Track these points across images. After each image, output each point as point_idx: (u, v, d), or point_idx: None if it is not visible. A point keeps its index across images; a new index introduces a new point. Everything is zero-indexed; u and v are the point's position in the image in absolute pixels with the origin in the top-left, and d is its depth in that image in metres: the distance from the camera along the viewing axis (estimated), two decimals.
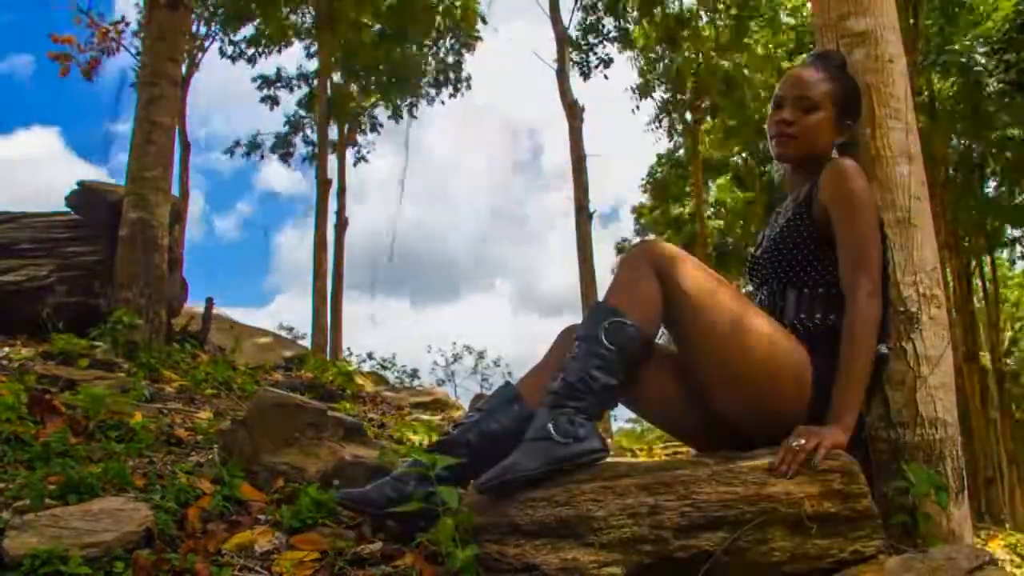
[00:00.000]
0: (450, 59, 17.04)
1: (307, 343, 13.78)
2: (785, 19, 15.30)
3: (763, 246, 1.93)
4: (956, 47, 11.07)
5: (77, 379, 3.03)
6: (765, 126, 1.99)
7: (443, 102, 17.51)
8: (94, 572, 1.53)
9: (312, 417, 2.26)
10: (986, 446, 14.33)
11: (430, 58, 16.89)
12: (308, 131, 18.02)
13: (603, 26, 16.12)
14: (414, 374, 21.27)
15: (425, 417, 4.26)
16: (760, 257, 1.92)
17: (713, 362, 1.69)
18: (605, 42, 16.19)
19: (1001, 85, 10.57)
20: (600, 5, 15.87)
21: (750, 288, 2.03)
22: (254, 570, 1.67)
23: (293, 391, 3.08)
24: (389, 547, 1.75)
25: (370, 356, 21.25)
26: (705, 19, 15.96)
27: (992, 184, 15.08)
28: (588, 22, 16.03)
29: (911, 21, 11.00)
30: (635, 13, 15.89)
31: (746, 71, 14.79)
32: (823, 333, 1.75)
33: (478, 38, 16.76)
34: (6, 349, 3.87)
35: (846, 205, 1.75)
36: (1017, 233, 16.75)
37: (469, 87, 17.36)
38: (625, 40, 16.18)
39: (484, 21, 16.54)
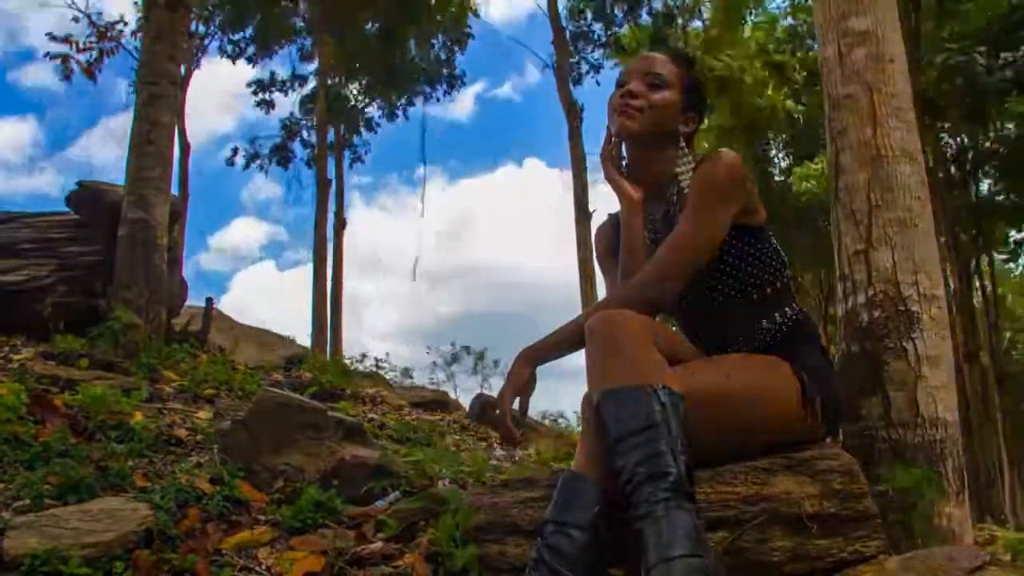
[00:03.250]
0: (442, 55, 17.06)
1: (307, 343, 13.79)
2: (782, 17, 15.30)
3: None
4: (955, 46, 11.05)
5: (77, 379, 3.03)
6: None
7: (438, 99, 17.59)
8: (93, 572, 1.53)
9: (312, 417, 2.26)
10: (987, 446, 14.32)
11: (422, 56, 16.91)
12: (305, 133, 18.04)
13: (593, 32, 16.32)
14: (406, 372, 21.28)
15: (426, 417, 4.27)
16: None
17: (715, 429, 1.54)
18: (595, 48, 16.42)
19: (1000, 83, 10.56)
20: (588, 12, 16.04)
21: None
22: (254, 570, 1.67)
23: (293, 391, 3.08)
24: (389, 547, 1.75)
25: (363, 356, 21.25)
26: (692, 17, 16.01)
27: (988, 184, 15.12)
28: (579, 29, 16.21)
29: (911, 20, 10.99)
30: (621, 16, 15.99)
31: (739, 67, 14.76)
32: (792, 329, 1.69)
33: (470, 35, 16.80)
34: (6, 349, 3.86)
35: (697, 192, 1.64)
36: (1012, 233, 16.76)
37: (463, 83, 17.44)
38: (615, 45, 16.26)
39: (476, 15, 16.58)
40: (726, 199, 1.62)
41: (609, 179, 1.79)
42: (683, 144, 1.74)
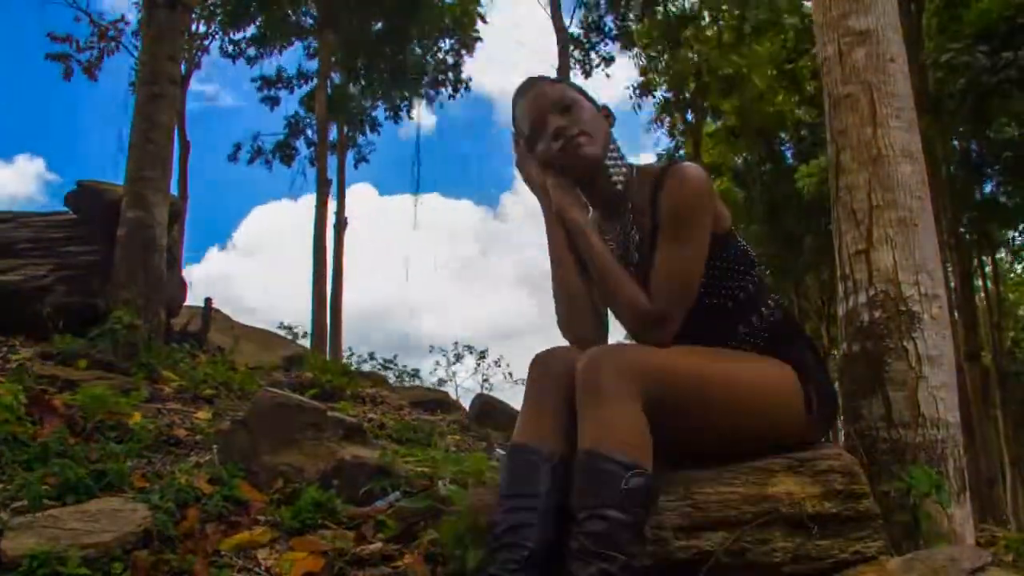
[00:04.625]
0: (449, 59, 17.08)
1: (307, 343, 13.79)
2: (788, 20, 15.31)
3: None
4: (958, 45, 11.06)
5: (76, 379, 3.03)
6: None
7: (441, 104, 17.60)
8: (92, 573, 1.53)
9: (312, 417, 2.25)
10: (988, 446, 14.32)
11: (429, 58, 16.93)
12: (309, 132, 18.02)
13: (605, 24, 16.25)
14: (415, 374, 21.30)
15: (426, 417, 4.26)
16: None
17: (715, 432, 1.56)
18: (607, 40, 16.35)
19: (1001, 85, 10.57)
20: (602, 3, 15.97)
21: None
22: (253, 571, 1.67)
23: (293, 391, 3.08)
24: (389, 548, 1.75)
25: (372, 356, 21.28)
26: (708, 19, 16.03)
27: (992, 184, 15.14)
28: (590, 20, 16.14)
29: (913, 20, 10.99)
30: (637, 11, 15.97)
31: (748, 72, 14.80)
32: (773, 331, 1.65)
33: (477, 38, 16.81)
34: (5, 349, 3.86)
35: (672, 217, 1.56)
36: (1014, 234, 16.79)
37: (468, 88, 17.41)
38: (627, 38, 16.26)
39: (483, 20, 16.59)
40: (701, 218, 1.56)
41: (539, 184, 1.67)
42: (613, 141, 1.70)
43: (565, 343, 1.66)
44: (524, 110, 1.69)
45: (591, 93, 1.76)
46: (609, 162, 1.66)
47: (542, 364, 1.55)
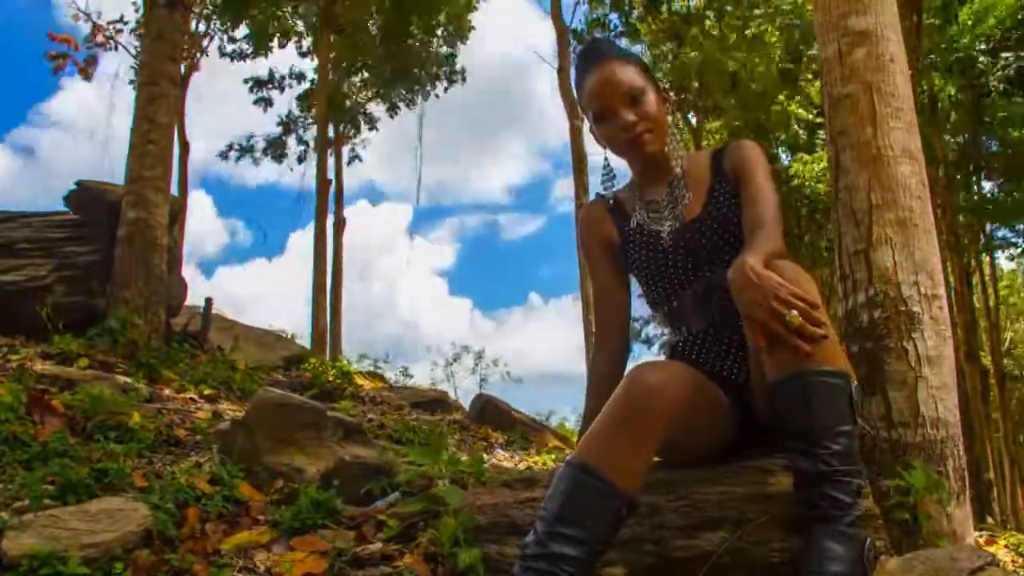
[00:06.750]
0: (444, 50, 17.03)
1: (307, 342, 13.78)
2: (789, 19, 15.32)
3: (686, 235, 1.69)
4: (957, 46, 11.07)
5: (76, 379, 3.03)
6: (615, 137, 1.68)
7: (438, 96, 17.56)
8: (93, 573, 1.53)
9: (311, 417, 2.25)
10: (988, 446, 14.32)
11: (426, 52, 16.89)
12: (301, 131, 17.99)
13: (609, 21, 16.23)
14: (405, 371, 21.25)
15: (426, 417, 4.26)
16: (701, 244, 1.67)
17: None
18: (611, 37, 16.32)
19: (1001, 85, 10.58)
20: (606, 0, 15.97)
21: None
22: (253, 571, 1.67)
23: (293, 391, 3.08)
24: (388, 548, 1.75)
25: (363, 356, 21.23)
26: (712, 18, 16.02)
27: (990, 184, 15.16)
28: (594, 17, 16.12)
29: (913, 20, 11.00)
30: (640, 10, 15.96)
31: (750, 68, 14.79)
32: None
33: (471, 27, 16.77)
34: (5, 349, 3.86)
35: (756, 165, 1.68)
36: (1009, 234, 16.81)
37: (464, 80, 17.38)
38: (632, 35, 16.25)
39: (475, 7, 16.52)
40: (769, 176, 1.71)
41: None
42: (670, 124, 1.74)
43: (670, 360, 1.63)
44: (593, 90, 1.69)
45: None
46: (668, 148, 1.71)
47: (646, 393, 1.37)
